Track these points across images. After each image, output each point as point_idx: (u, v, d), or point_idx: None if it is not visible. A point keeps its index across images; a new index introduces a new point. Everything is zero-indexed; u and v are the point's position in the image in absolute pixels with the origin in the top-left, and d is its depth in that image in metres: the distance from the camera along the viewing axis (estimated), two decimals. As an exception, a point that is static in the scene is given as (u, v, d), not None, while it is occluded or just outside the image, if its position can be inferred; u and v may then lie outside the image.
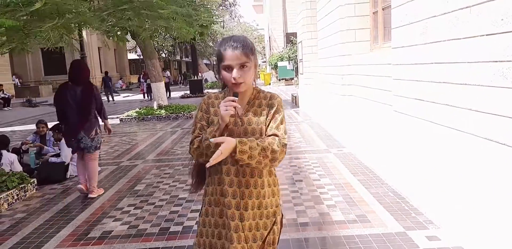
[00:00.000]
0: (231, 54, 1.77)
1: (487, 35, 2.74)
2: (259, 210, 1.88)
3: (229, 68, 1.78)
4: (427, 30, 3.63)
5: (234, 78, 1.76)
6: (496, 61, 2.66)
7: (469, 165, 3.03)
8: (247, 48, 1.79)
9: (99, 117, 4.95)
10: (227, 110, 1.71)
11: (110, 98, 21.25)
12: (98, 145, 4.90)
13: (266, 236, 1.91)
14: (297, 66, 17.82)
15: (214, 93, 1.96)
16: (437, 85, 3.50)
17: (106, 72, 23.60)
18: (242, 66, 1.78)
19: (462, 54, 3.06)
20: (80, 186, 4.86)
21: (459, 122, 3.16)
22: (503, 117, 2.61)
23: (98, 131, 4.89)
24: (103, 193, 4.96)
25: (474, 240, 2.94)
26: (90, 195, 4.80)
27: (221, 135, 1.79)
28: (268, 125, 1.85)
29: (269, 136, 1.82)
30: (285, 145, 1.81)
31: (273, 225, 1.93)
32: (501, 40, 2.60)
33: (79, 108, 4.69)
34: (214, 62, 56.96)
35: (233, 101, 1.72)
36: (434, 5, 3.46)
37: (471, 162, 3.02)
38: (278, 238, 1.97)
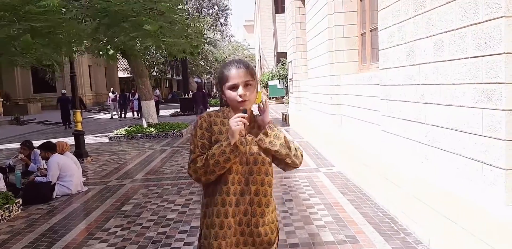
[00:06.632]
0: (235, 73, 1.83)
1: (471, 57, 2.81)
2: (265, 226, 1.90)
3: (234, 88, 1.83)
4: (413, 52, 3.72)
5: (241, 95, 1.81)
6: (480, 83, 2.72)
7: (456, 184, 3.05)
8: (250, 68, 1.87)
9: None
10: (238, 125, 1.73)
11: (122, 116, 21.71)
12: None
13: None
14: (287, 85, 17.95)
15: (212, 111, 1.95)
16: (424, 106, 3.55)
17: (123, 90, 24.70)
18: (246, 84, 1.83)
19: (448, 76, 3.13)
20: None
21: (446, 142, 3.20)
22: (488, 138, 2.65)
23: (207, 109, 13.12)
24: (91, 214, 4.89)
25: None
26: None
27: (232, 152, 1.77)
28: None
29: None
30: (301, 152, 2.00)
31: (276, 238, 1.95)
32: (485, 62, 2.66)
33: (200, 100, 14.75)
34: (205, 81, 56.71)
35: (243, 117, 1.75)
36: (420, 28, 3.55)
37: (458, 182, 3.04)
38: None
